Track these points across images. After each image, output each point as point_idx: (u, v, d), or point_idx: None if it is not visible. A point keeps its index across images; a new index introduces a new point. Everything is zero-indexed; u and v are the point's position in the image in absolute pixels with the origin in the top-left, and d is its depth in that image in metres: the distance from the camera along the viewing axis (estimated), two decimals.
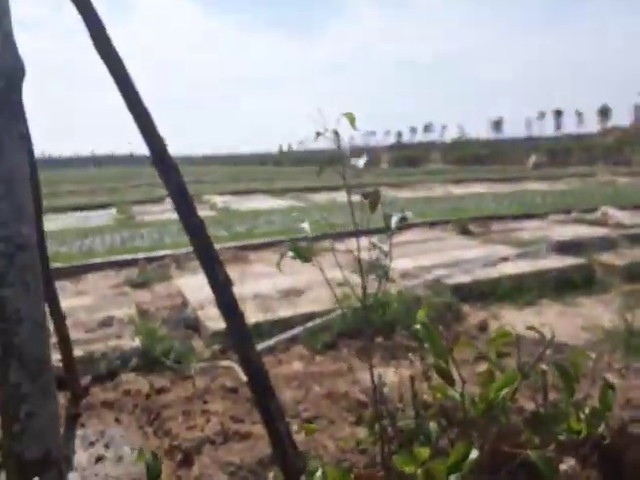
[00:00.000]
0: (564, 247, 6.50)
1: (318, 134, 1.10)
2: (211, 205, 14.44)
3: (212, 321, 3.95)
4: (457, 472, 0.90)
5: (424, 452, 0.92)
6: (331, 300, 4.31)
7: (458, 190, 16.81)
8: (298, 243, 5.89)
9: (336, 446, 2.55)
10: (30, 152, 2.29)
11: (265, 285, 5.10)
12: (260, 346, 3.57)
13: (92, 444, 2.75)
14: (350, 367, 3.44)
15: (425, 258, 5.94)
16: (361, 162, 1.19)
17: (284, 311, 4.18)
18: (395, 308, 4.09)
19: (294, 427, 2.53)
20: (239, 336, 2.19)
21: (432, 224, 8.74)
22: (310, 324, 3.97)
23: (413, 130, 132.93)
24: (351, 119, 1.07)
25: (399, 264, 5.44)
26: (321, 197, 16.12)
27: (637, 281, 5.26)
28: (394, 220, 1.20)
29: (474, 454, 0.90)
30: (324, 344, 3.78)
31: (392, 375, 3.09)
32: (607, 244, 6.81)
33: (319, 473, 0.96)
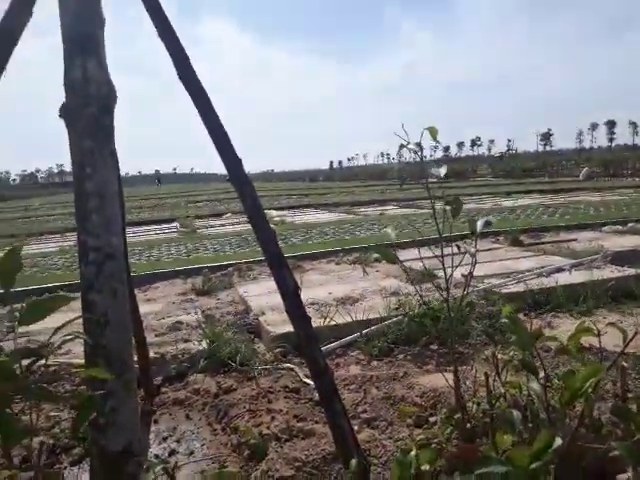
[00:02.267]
0: (621, 258, 6.37)
1: (402, 146, 1.24)
2: (269, 218, 14.93)
3: (273, 326, 4.15)
4: (539, 460, 0.94)
5: (506, 439, 0.98)
6: (386, 308, 4.43)
7: (508, 202, 16.54)
8: (350, 254, 6.05)
9: (396, 446, 2.65)
10: (117, 169, 2.54)
11: (321, 293, 5.27)
12: None
13: (165, 439, 2.93)
14: (406, 372, 3.55)
15: (477, 268, 5.95)
16: (442, 170, 1.33)
17: (341, 318, 4.32)
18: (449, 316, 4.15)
19: (355, 427, 2.65)
20: (306, 338, 2.35)
21: (483, 235, 8.70)
22: (366, 330, 4.10)
23: (460, 145, 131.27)
24: (433, 133, 1.21)
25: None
26: (371, 210, 16.31)
27: None
28: (479, 224, 1.32)
29: (558, 442, 0.94)
30: (380, 350, 3.89)
31: (451, 379, 3.18)
32: None
33: (413, 452, 1.05)
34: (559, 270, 5.86)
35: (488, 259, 6.70)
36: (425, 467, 0.96)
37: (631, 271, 5.63)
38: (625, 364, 1.24)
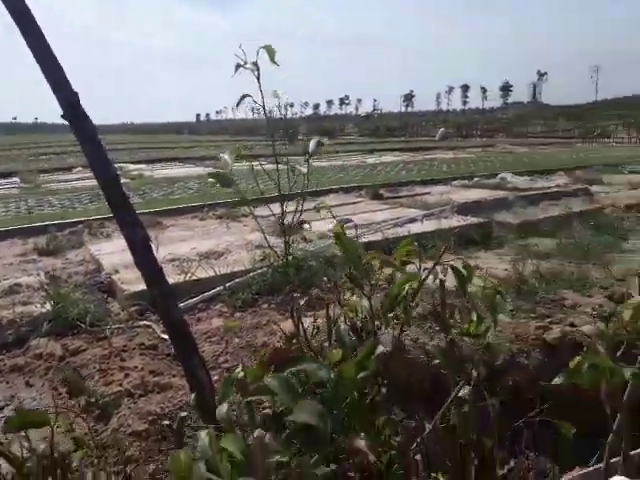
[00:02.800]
0: (466, 208, 7.01)
1: (238, 66, 1.15)
2: (125, 172, 13.93)
3: (127, 284, 3.91)
4: (365, 370, 0.97)
5: (336, 354, 0.99)
6: (251, 261, 4.40)
7: (371, 159, 17.30)
8: (215, 209, 5.88)
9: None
10: None
11: (184, 249, 5.08)
12: (180, 305, 3.59)
13: (1, 409, 2.67)
14: (269, 320, 3.57)
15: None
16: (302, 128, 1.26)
17: (203, 272, 4.20)
18: (311, 266, 4.26)
19: (214, 378, 2.62)
20: (160, 293, 2.22)
21: (346, 190, 9.01)
22: (230, 283, 4.03)
23: (329, 103, 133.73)
24: (270, 52, 1.13)
25: (316, 226, 5.61)
26: (238, 165, 16.01)
27: (528, 236, 5.82)
28: (312, 144, 1.30)
29: (380, 349, 0.98)
30: (244, 301, 3.87)
31: (309, 322, 3.26)
32: (504, 205, 7.42)
33: (238, 370, 1.03)
34: (412, 220, 6.28)
35: (350, 212, 6.95)
36: (241, 375, 0.95)
37: (473, 220, 6.23)
38: (443, 277, 1.33)
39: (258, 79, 1.16)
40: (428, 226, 5.89)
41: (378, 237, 5.27)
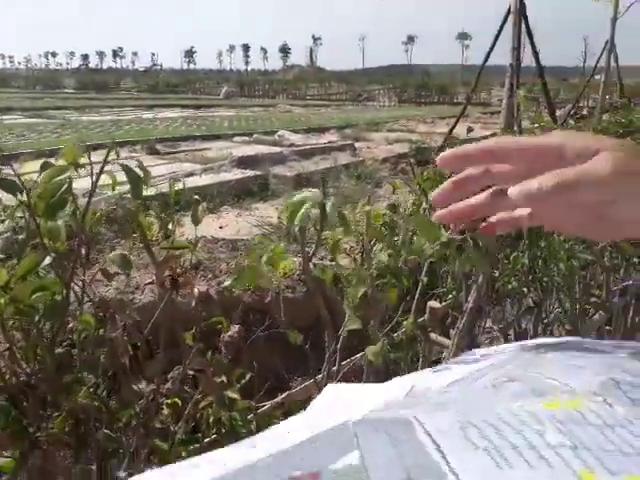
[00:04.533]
0: (245, 162, 7.10)
1: None
2: None
3: None
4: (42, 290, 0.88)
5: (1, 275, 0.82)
6: None
7: (149, 115, 16.30)
8: None
9: None
10: None
11: None
12: None
13: None
14: None
15: (105, 179, 5.68)
16: None
17: None
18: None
19: None
20: None
21: (120, 145, 8.32)
22: None
23: (101, 55, 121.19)
24: None
25: (80, 184, 5.09)
26: None
27: (302, 187, 6.17)
28: None
29: (47, 261, 0.87)
30: None
31: None
32: (281, 160, 7.73)
33: None
34: (191, 174, 6.12)
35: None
36: None
37: (251, 173, 6.34)
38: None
39: None
40: (206, 179, 5.82)
41: (152, 192, 5.01)
